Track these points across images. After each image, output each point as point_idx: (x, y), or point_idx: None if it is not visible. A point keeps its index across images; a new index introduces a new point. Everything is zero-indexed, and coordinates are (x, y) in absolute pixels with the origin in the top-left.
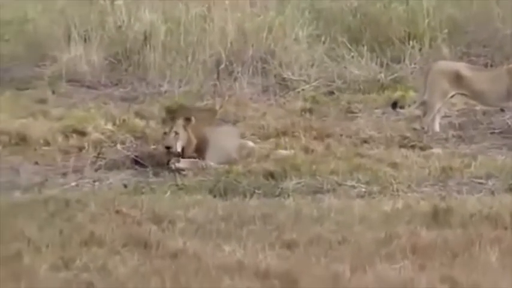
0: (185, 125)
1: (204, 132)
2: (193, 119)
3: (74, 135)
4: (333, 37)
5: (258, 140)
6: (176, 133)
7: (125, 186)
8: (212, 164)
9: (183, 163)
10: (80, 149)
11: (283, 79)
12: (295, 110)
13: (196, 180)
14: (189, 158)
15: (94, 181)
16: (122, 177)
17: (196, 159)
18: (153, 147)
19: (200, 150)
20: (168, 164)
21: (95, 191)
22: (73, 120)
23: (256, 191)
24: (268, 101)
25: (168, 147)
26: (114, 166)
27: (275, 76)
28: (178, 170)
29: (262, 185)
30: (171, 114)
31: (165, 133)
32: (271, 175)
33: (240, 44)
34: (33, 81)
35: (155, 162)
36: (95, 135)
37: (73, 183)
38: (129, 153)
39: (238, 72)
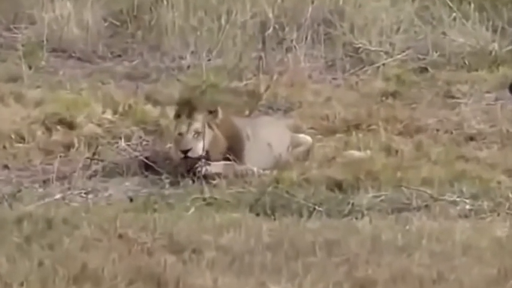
0: (210, 121)
1: (242, 124)
2: (220, 112)
3: (59, 127)
4: None
5: (320, 136)
6: (197, 133)
7: (131, 200)
8: (254, 169)
9: (214, 167)
10: (68, 147)
11: (356, 50)
12: (372, 93)
13: (232, 192)
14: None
15: (87, 193)
16: (126, 187)
17: (232, 162)
18: (170, 145)
19: (236, 150)
20: (191, 170)
21: (88, 206)
22: (58, 107)
23: (317, 207)
24: (335, 81)
25: (185, 151)
26: (115, 172)
27: (344, 45)
28: (207, 178)
29: (325, 199)
30: (185, 107)
31: (180, 134)
32: (338, 186)
33: (295, 0)
34: (1, 51)
35: (173, 166)
36: (89, 128)
37: (58, 196)
38: (136, 153)
39: (292, 40)
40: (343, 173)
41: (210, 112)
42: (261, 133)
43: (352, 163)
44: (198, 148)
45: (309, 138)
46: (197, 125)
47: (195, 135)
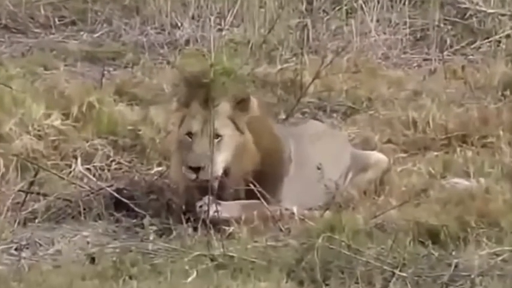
0: (236, 117)
1: (284, 133)
2: (253, 102)
3: None
4: None
5: (403, 155)
6: (217, 136)
7: (93, 259)
8: (294, 208)
9: (227, 208)
10: None
11: (462, 13)
12: (488, 84)
13: (259, 247)
14: (241, 195)
15: (20, 248)
16: (85, 239)
17: (259, 201)
18: (158, 169)
19: (265, 178)
20: (190, 209)
21: (21, 270)
22: None
23: (398, 271)
24: (427, 64)
25: (196, 169)
26: (67, 214)
27: (442, 5)
28: (217, 223)
29: (411, 258)
30: (199, 89)
31: (189, 135)
32: (431, 235)
33: None
34: None
35: (161, 204)
36: (23, 142)
37: None
38: (102, 183)
39: None
40: (441, 214)
41: (239, 102)
42: (306, 149)
43: (455, 199)
44: (218, 166)
45: (382, 158)
46: (218, 122)
47: (215, 142)
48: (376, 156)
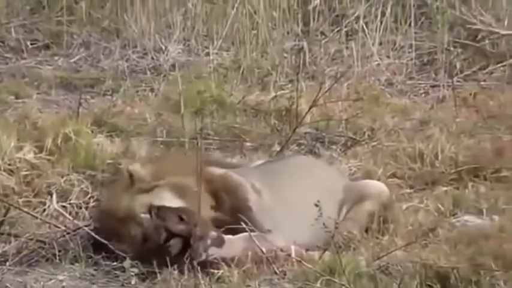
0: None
1: (240, 172)
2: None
3: None
4: None
5: (408, 190)
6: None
7: None
8: (292, 249)
9: (231, 247)
10: None
11: (474, 34)
12: (502, 112)
13: None
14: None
15: None
16: (60, 283)
17: (245, 234)
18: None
19: (234, 212)
20: (175, 253)
21: None
22: None
23: None
24: (434, 90)
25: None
26: (40, 256)
27: (452, 27)
28: (206, 266)
29: None
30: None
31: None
32: (440, 279)
33: None
34: None
35: (147, 245)
36: None
37: None
38: (80, 223)
39: (357, 18)
40: (451, 255)
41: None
42: (287, 182)
43: (466, 238)
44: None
45: (379, 185)
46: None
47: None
48: (372, 184)
